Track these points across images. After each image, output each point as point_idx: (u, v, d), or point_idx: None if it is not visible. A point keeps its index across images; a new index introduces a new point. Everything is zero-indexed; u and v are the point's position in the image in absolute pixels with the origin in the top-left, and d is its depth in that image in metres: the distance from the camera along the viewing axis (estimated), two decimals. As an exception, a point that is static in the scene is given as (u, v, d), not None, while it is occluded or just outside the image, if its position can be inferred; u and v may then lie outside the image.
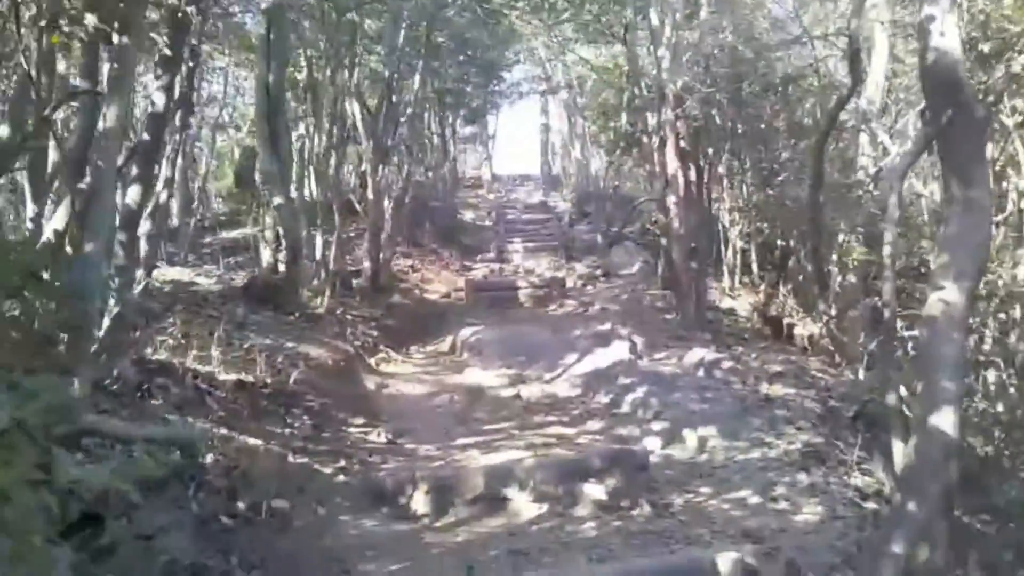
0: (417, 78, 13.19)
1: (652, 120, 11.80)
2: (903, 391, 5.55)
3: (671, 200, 11.21)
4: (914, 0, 9.27)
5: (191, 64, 5.92)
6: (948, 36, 3.87)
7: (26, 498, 1.64)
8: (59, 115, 6.75)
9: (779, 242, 14.49)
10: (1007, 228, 9.50)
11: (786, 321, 14.07)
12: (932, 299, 4.20)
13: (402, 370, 9.67)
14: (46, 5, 3.56)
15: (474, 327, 11.11)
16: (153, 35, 5.44)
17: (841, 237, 11.76)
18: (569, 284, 14.86)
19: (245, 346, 7.63)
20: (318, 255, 10.59)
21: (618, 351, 9.74)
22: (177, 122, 7.82)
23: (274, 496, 4.81)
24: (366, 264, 12.13)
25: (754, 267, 14.66)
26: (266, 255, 10.14)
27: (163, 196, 8.08)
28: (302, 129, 11.70)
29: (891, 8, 10.53)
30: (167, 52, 5.29)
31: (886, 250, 4.91)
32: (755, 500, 5.91)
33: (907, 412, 5.19)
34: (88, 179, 3.61)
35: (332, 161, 11.37)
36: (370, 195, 12.69)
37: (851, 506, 5.80)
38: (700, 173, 11.93)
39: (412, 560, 4.67)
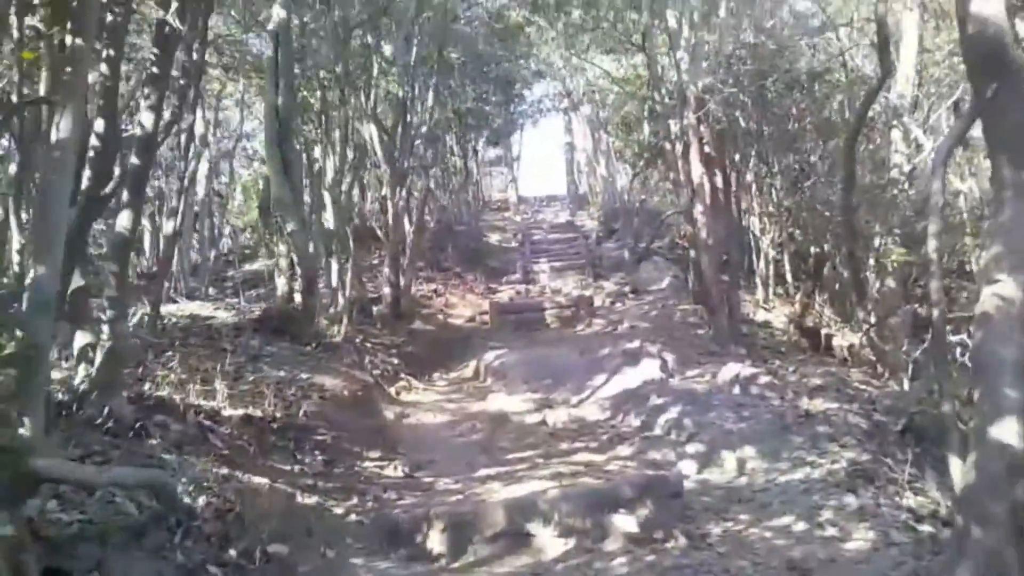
0: (431, 96, 12.93)
1: (675, 127, 11.43)
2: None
3: (698, 209, 10.79)
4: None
5: (183, 83, 5.65)
6: (991, 1, 3.46)
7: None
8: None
9: (813, 249, 13.99)
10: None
11: (824, 332, 13.54)
12: (985, 295, 3.76)
13: (423, 398, 9.33)
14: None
15: (498, 351, 10.76)
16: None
17: (877, 240, 11.27)
18: (597, 303, 14.46)
19: (254, 379, 7.34)
20: (334, 282, 10.31)
21: (648, 370, 9.31)
22: (180, 151, 7.62)
23: (273, 540, 4.46)
24: (386, 290, 11.86)
25: (788, 276, 14.16)
26: (281, 284, 9.90)
27: (168, 229, 7.84)
28: (317, 154, 11.48)
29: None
30: (154, 70, 5.04)
31: (931, 244, 4.45)
32: (800, 527, 5.46)
33: (962, 424, 4.73)
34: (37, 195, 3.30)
35: (345, 186, 11.11)
36: (389, 220, 12.43)
37: (905, 530, 5.32)
38: (727, 179, 11.51)
39: (426, 607, 4.30)
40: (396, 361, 10.08)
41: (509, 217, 25.13)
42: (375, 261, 13.83)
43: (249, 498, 4.99)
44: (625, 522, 5.30)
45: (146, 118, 5.09)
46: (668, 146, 11.32)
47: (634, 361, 9.54)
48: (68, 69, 3.08)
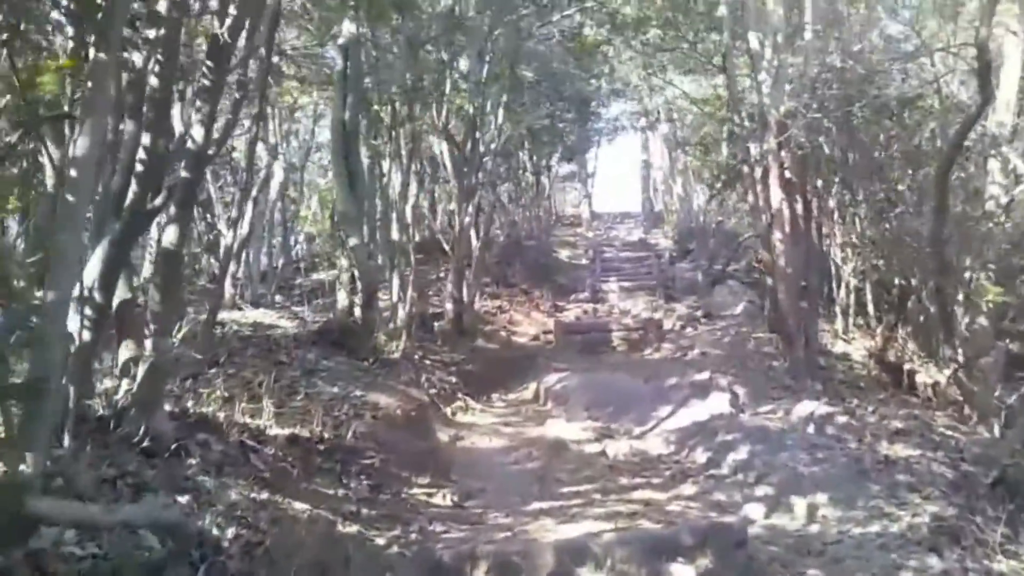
0: (501, 113, 12.67)
1: (754, 150, 10.88)
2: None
3: (776, 236, 10.23)
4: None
5: (239, 96, 5.48)
6: None
7: None
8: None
9: (897, 280, 13.22)
10: None
11: (906, 368, 12.78)
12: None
13: (479, 420, 9.01)
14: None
15: (560, 373, 10.38)
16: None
17: (967, 275, 10.51)
18: (667, 326, 13.94)
19: (307, 395, 7.14)
20: (395, 296, 10.10)
21: (718, 403, 8.81)
22: (245, 162, 7.50)
23: (304, 574, 4.17)
24: (449, 306, 11.61)
25: (870, 308, 13.41)
26: (342, 298, 9.73)
27: (229, 238, 7.72)
28: (385, 167, 11.33)
29: (1025, 16, 9.37)
30: (206, 83, 4.86)
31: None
32: (876, 589, 4.94)
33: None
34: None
35: (412, 199, 10.91)
36: (456, 233, 12.21)
37: (996, 601, 4.75)
38: (808, 206, 10.89)
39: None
40: (454, 380, 9.78)
41: (581, 233, 24.74)
42: (441, 275, 13.62)
43: (286, 527, 4.74)
44: (683, 572, 4.90)
45: (196, 132, 4.90)
46: (747, 169, 10.78)
47: (703, 393, 9.04)
48: (89, 84, 2.86)
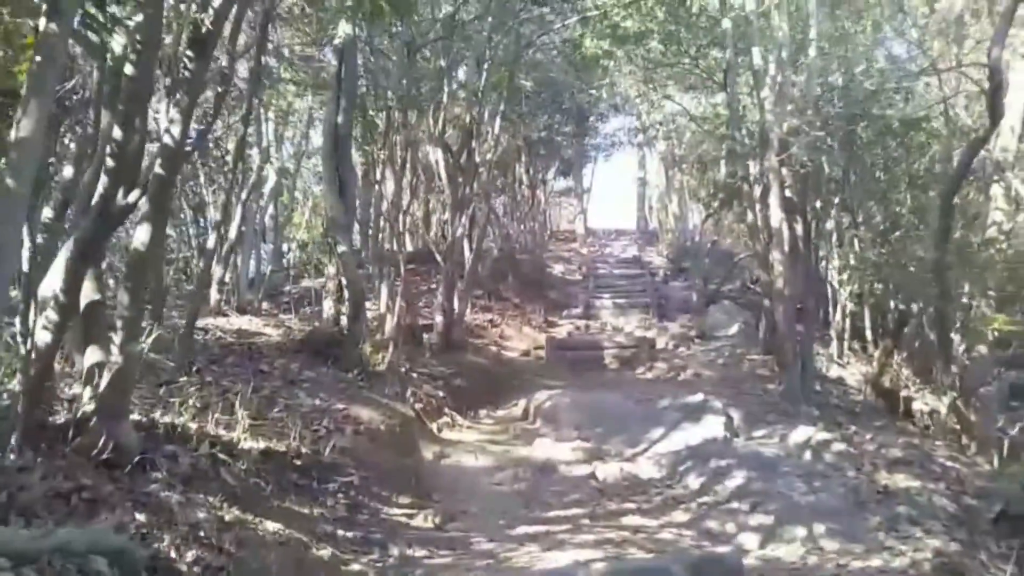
0: (498, 122, 12.39)
1: (754, 168, 10.63)
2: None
3: (775, 256, 9.97)
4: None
5: (221, 90, 5.17)
6: None
7: None
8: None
9: (894, 305, 12.99)
10: None
11: (903, 394, 12.54)
12: None
13: (466, 437, 8.68)
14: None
15: (551, 391, 10.05)
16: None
17: (964, 300, 10.27)
18: (660, 345, 13.65)
19: (287, 406, 6.79)
20: (383, 306, 9.77)
21: (712, 427, 8.51)
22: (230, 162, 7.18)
23: (269, 605, 3.85)
24: (439, 318, 11.27)
25: (867, 332, 13.16)
26: (328, 306, 9.40)
27: (211, 241, 7.39)
28: (379, 174, 11.03)
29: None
30: (186, 73, 4.56)
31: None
32: (879, 632, 4.64)
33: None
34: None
35: (404, 207, 10.61)
36: (449, 244, 11.90)
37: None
38: (807, 226, 10.65)
39: None
40: (441, 394, 9.44)
41: (575, 248, 24.45)
42: (432, 286, 13.30)
43: (253, 549, 4.41)
44: (675, 606, 4.58)
45: (174, 126, 4.59)
46: (746, 188, 10.53)
47: (696, 416, 8.73)
48: (37, 59, 2.56)
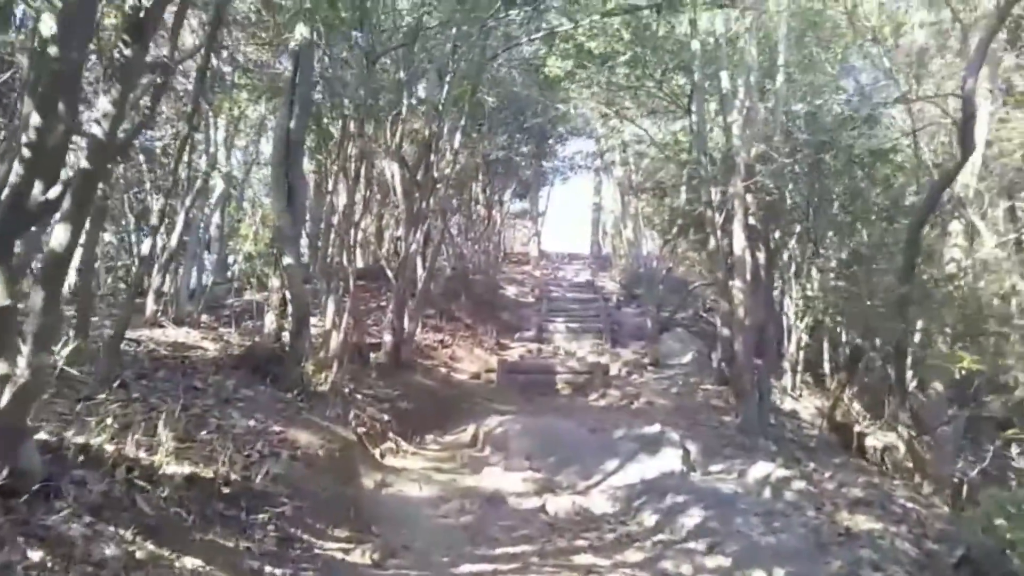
0: (458, 137, 12.03)
1: (716, 195, 10.43)
2: None
3: (737, 284, 9.76)
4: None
5: (161, 81, 4.71)
6: None
7: None
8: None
9: (846, 339, 12.89)
10: None
11: (856, 430, 12.42)
12: None
13: (411, 465, 8.21)
14: None
15: (501, 417, 9.65)
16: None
17: (918, 336, 10.17)
18: (613, 371, 13.34)
19: (219, 427, 6.27)
20: (329, 322, 9.27)
21: (669, 460, 8.19)
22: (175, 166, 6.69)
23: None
24: (387, 337, 10.79)
25: (825, 366, 13.06)
26: (270, 320, 8.88)
27: (145, 248, 6.86)
28: (331, 185, 10.56)
29: (996, 74, 9.15)
30: (121, 59, 4.10)
31: None
32: None
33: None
34: None
35: (355, 221, 10.14)
36: (401, 261, 11.46)
37: None
38: (770, 255, 10.48)
39: None
40: (386, 417, 8.95)
41: (528, 271, 24.21)
42: (383, 303, 12.83)
43: (167, 590, 3.92)
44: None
45: (104, 117, 4.13)
46: (709, 214, 10.32)
47: (653, 448, 8.40)
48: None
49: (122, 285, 14.07)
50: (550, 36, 11.73)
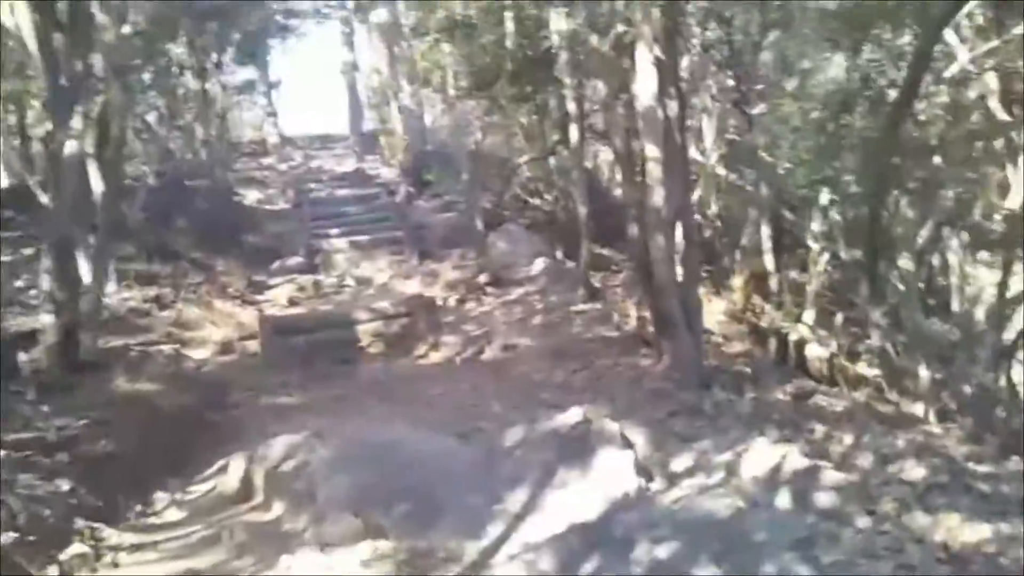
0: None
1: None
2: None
3: (649, 152, 6.99)
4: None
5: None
6: None
7: None
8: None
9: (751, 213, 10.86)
10: None
11: (785, 336, 10.61)
12: None
13: (139, 572, 4.70)
14: None
15: (292, 434, 6.16)
16: None
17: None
18: (438, 303, 10.34)
19: None
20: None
21: (613, 473, 5.32)
22: None
23: None
24: (47, 317, 6.92)
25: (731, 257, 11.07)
26: None
27: None
28: None
29: None
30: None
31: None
32: None
33: None
34: None
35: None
36: (59, 172, 7.59)
37: None
38: (683, 104, 7.78)
39: None
40: (67, 486, 5.24)
41: (271, 165, 20.69)
42: (29, 252, 8.88)
43: None
44: None
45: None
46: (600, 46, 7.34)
47: (580, 455, 5.43)
48: None
49: None
50: None
